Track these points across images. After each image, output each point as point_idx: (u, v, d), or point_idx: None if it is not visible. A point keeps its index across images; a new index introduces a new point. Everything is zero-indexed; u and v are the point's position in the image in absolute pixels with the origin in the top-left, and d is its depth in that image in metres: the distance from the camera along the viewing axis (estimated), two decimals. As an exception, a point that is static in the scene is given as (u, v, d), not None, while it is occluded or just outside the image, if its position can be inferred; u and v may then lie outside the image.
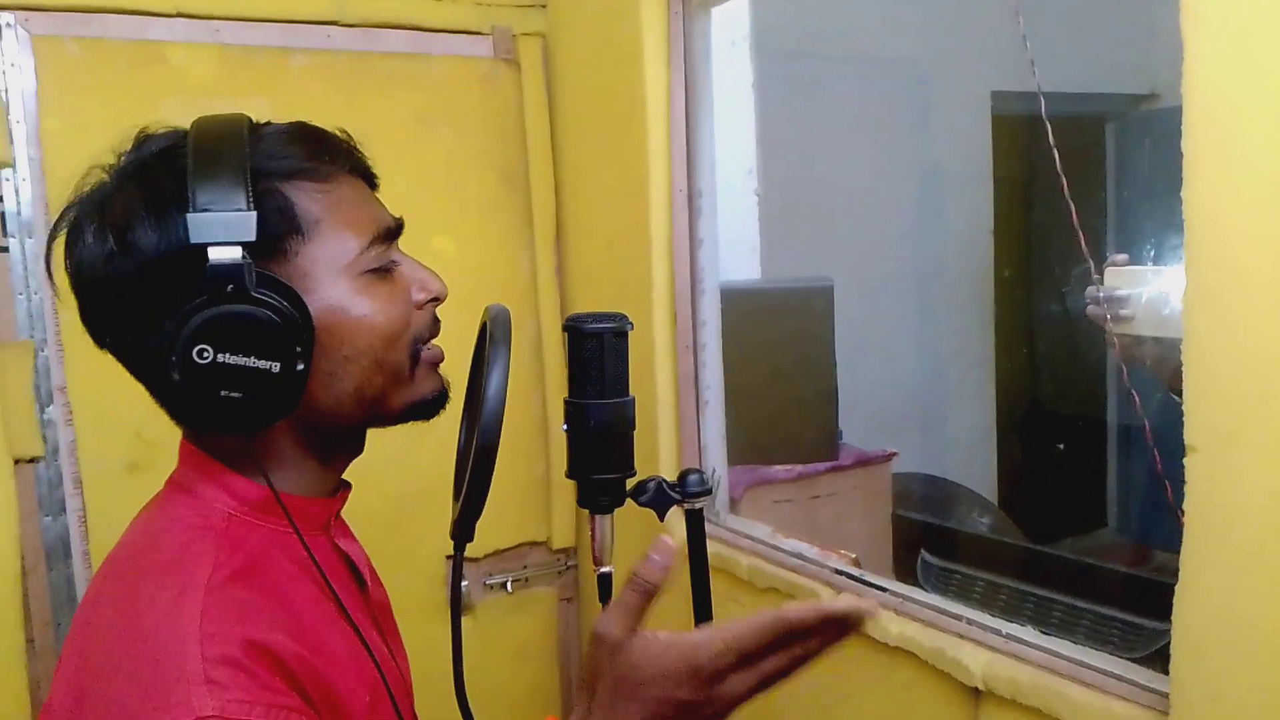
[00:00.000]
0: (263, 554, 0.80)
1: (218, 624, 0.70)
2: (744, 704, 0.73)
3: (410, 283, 0.86)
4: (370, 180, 0.89)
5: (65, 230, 0.79)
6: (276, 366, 0.74)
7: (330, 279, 0.80)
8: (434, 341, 0.89)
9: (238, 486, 0.82)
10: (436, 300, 0.88)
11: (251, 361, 0.73)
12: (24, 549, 1.72)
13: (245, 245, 0.73)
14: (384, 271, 0.84)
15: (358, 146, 0.88)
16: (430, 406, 0.88)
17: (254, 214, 0.73)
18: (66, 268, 0.79)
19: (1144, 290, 1.35)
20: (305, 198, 0.80)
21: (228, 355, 0.73)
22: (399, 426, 0.89)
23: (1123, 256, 1.40)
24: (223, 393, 0.74)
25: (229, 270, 0.72)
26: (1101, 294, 1.38)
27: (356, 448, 0.90)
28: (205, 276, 0.72)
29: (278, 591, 0.78)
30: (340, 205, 0.82)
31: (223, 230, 0.72)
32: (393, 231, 0.86)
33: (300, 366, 0.75)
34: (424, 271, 0.88)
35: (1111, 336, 1.38)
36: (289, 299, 0.75)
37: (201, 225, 0.72)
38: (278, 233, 0.78)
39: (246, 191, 0.74)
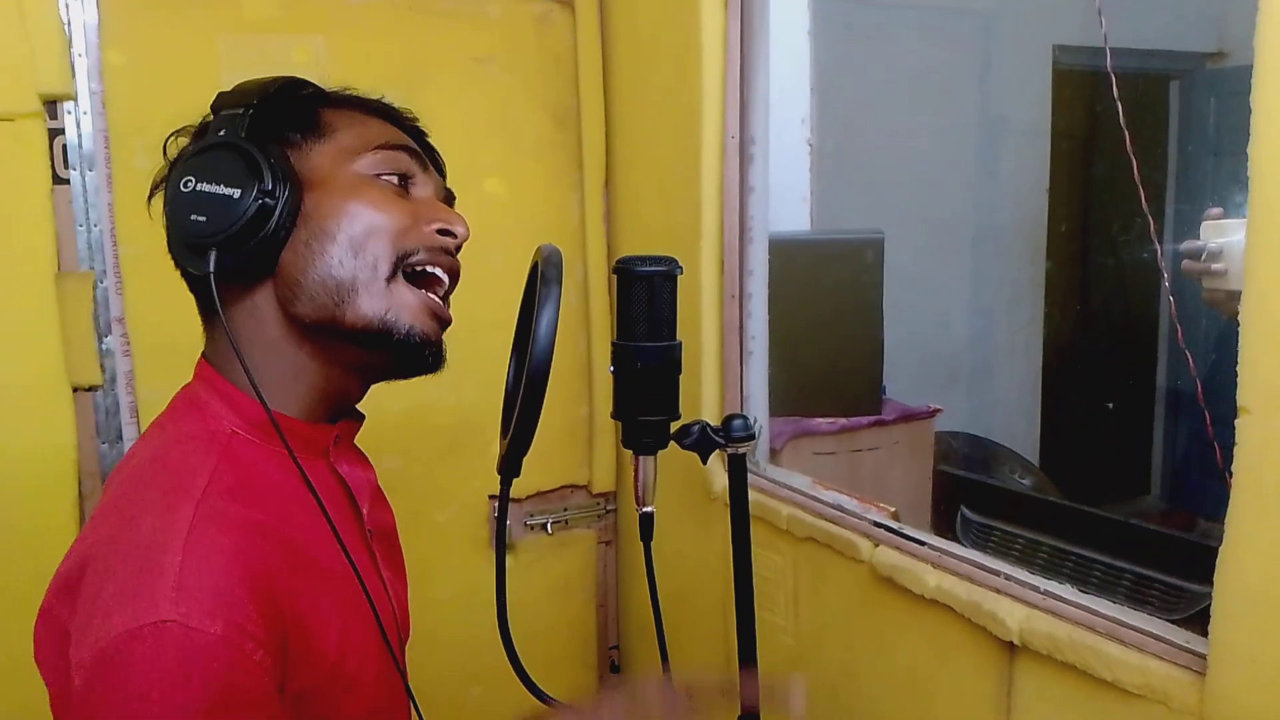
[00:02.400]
0: (261, 472, 0.83)
1: (202, 535, 0.73)
2: None
3: (426, 209, 0.88)
4: (432, 158, 0.94)
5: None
6: (237, 193, 0.80)
7: (337, 170, 0.85)
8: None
9: (243, 405, 0.85)
10: (451, 235, 0.88)
11: (220, 189, 0.80)
12: (81, 474, 1.78)
13: (250, 108, 0.83)
14: (399, 188, 0.87)
15: (406, 114, 0.94)
16: (410, 349, 0.85)
17: (269, 92, 0.84)
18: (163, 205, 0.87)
19: (1240, 243, 1.32)
20: (330, 112, 0.88)
21: (203, 184, 0.81)
22: (439, 374, 0.89)
23: (1218, 210, 1.36)
24: (192, 216, 0.80)
25: (228, 120, 0.83)
26: (1196, 247, 1.35)
27: (356, 370, 0.89)
28: (211, 126, 0.84)
29: (271, 508, 0.81)
30: (365, 125, 0.88)
31: (237, 99, 0.84)
32: (417, 155, 0.89)
33: (265, 202, 0.80)
34: (448, 210, 0.89)
35: (1208, 292, 1.34)
36: (276, 154, 0.82)
37: (223, 98, 0.85)
38: (293, 126, 0.85)
39: (272, 86, 0.85)
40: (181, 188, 0.81)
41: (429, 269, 0.87)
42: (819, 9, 2.24)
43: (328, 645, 0.80)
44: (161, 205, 0.85)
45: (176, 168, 0.84)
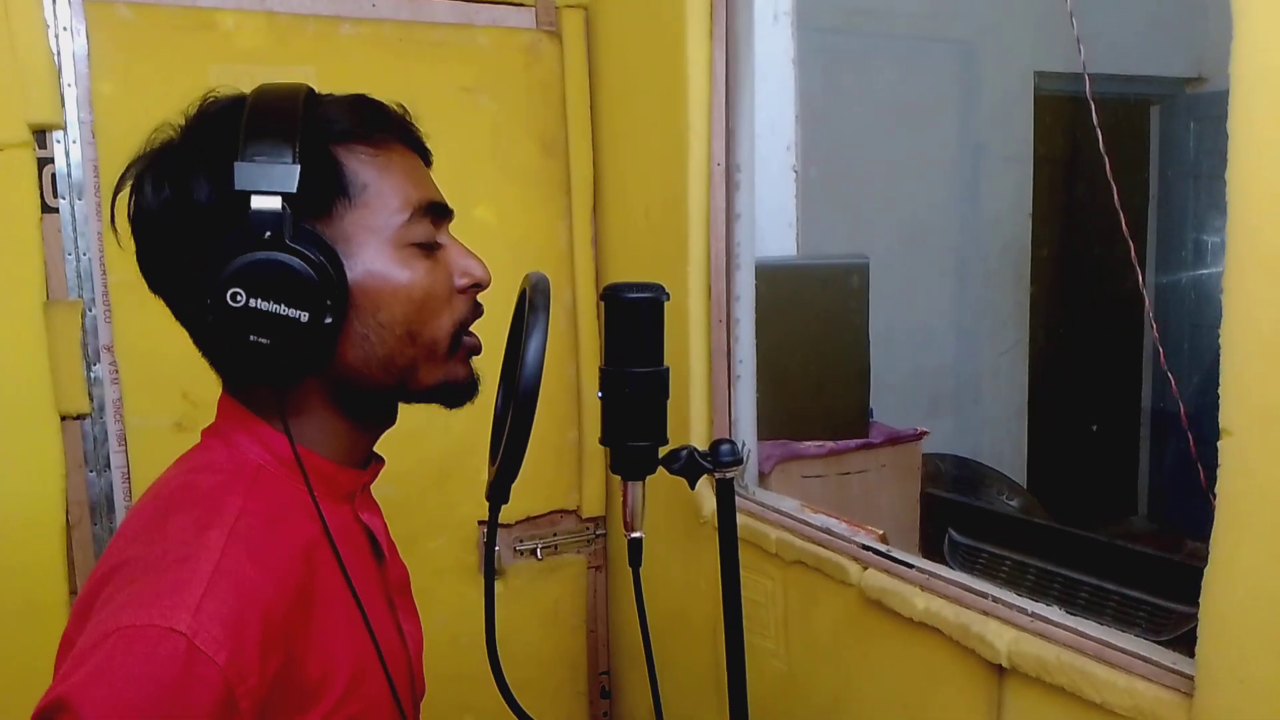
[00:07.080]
0: (286, 510, 0.82)
1: (233, 562, 0.72)
2: None
3: (455, 266, 0.87)
4: (425, 156, 0.90)
5: (130, 181, 0.82)
6: (305, 316, 0.76)
7: (373, 244, 0.81)
8: (474, 327, 0.90)
9: (271, 440, 0.84)
10: (479, 286, 0.89)
11: (281, 309, 0.75)
12: (69, 503, 1.77)
13: (287, 197, 0.75)
14: (429, 249, 0.85)
15: (413, 122, 0.89)
16: (459, 392, 0.89)
17: (297, 167, 0.76)
18: (129, 215, 0.82)
19: None
20: (355, 161, 0.82)
21: (259, 300, 0.75)
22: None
23: None
24: (251, 337, 0.76)
25: (268, 218, 0.75)
26: None
27: (388, 418, 0.91)
28: (246, 223, 0.75)
29: (294, 549, 0.80)
30: (389, 173, 0.83)
31: (266, 180, 0.75)
32: (439, 208, 0.87)
33: (328, 320, 0.77)
34: (471, 259, 0.89)
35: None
36: (325, 254, 0.77)
37: (246, 173, 0.75)
38: (324, 192, 0.80)
39: (294, 147, 0.76)
40: (230, 300, 0.75)
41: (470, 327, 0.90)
42: (804, 38, 2.27)
43: (331, 692, 0.79)
44: (134, 220, 0.82)
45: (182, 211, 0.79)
